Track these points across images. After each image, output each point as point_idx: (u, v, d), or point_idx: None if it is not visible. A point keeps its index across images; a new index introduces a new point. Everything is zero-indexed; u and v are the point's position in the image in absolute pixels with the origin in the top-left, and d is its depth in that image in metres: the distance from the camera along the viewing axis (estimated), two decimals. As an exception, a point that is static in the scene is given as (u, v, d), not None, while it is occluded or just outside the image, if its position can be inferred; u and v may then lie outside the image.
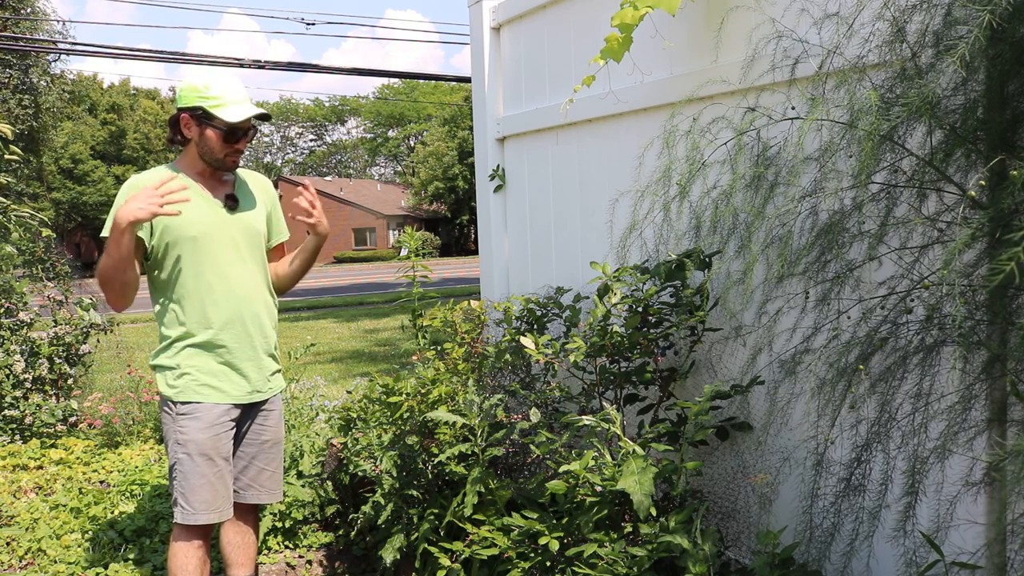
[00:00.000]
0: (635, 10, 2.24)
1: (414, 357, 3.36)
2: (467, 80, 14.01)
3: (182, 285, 2.40)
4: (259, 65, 13.07)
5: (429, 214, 49.06)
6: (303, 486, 3.35)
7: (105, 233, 2.37)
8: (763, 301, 2.17)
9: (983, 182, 1.60)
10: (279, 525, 3.28)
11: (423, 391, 2.79)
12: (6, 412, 4.62)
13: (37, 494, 3.83)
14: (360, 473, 2.98)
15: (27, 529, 3.40)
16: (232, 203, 2.48)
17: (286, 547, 3.31)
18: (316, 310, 15.46)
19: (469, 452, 2.55)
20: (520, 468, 2.80)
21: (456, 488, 2.71)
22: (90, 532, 3.37)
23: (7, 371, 4.67)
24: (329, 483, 3.35)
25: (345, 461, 3.20)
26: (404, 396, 2.80)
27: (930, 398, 1.77)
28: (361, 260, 43.31)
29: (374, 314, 13.98)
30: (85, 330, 5.07)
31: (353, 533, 3.21)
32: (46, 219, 5.25)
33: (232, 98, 2.38)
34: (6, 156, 5.00)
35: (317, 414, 4.03)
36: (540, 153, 3.30)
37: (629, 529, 2.22)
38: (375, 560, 3.11)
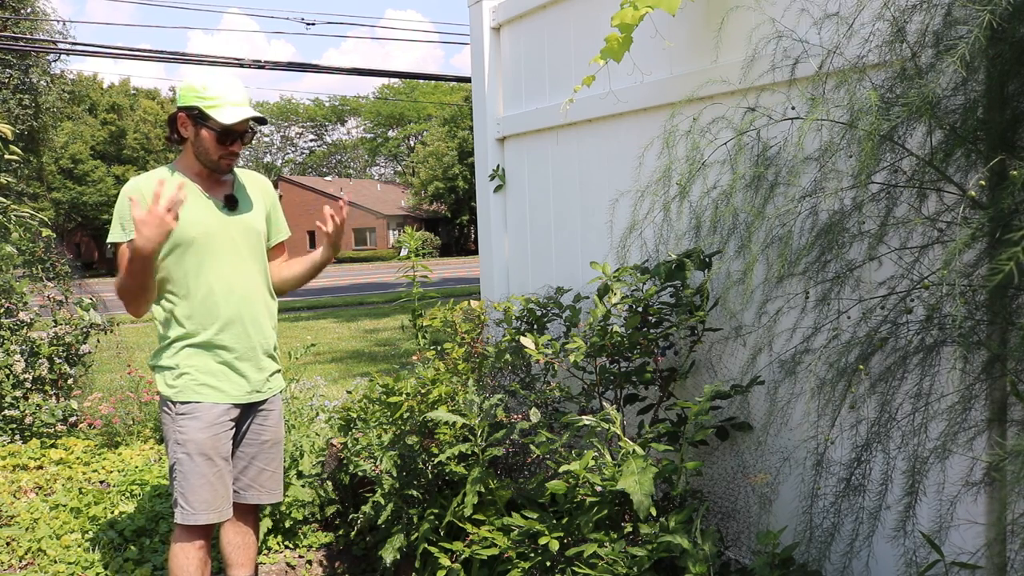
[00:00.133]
0: (635, 10, 2.24)
1: (414, 357, 3.36)
2: (467, 80, 14.01)
3: (182, 286, 2.40)
4: (259, 65, 13.07)
5: (429, 214, 49.06)
6: (303, 486, 3.35)
7: (113, 239, 2.37)
8: (763, 301, 2.17)
9: (983, 182, 1.60)
10: (279, 525, 3.28)
11: (423, 391, 2.79)
12: (6, 412, 4.62)
13: (37, 494, 3.83)
14: (360, 473, 2.99)
15: (27, 529, 3.40)
16: (231, 203, 2.48)
17: (286, 547, 3.31)
18: (316, 310, 15.46)
19: (469, 452, 2.55)
20: (520, 468, 2.80)
21: (456, 488, 2.71)
22: (90, 532, 3.37)
23: (7, 371, 4.67)
24: (329, 483, 3.35)
25: (345, 461, 3.20)
26: (404, 396, 2.80)
27: (930, 398, 1.77)
28: (361, 260, 43.31)
29: (374, 314, 13.98)
30: (85, 330, 5.07)
31: (353, 533, 3.21)
32: (46, 219, 5.25)
33: (229, 99, 2.37)
34: (6, 156, 5.00)
35: (317, 414, 4.03)
36: (540, 153, 3.30)
37: (629, 529, 2.22)
38: (375, 560, 3.11)
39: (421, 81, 61.44)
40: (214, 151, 2.40)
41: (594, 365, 2.55)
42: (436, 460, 2.63)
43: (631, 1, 2.24)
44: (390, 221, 47.81)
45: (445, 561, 2.50)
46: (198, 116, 2.38)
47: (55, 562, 3.17)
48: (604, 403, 2.48)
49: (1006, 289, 1.53)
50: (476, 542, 2.44)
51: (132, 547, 3.23)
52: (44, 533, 3.34)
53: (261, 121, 2.46)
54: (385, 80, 65.62)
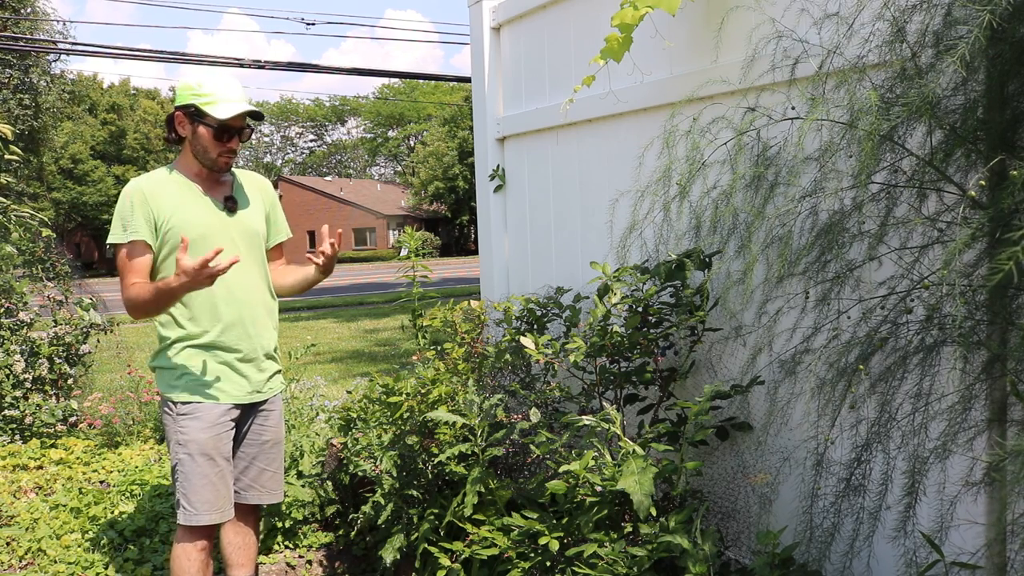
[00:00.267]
0: (635, 10, 2.24)
1: (414, 357, 3.36)
2: (467, 80, 14.01)
3: (182, 287, 2.40)
4: (259, 65, 13.07)
5: (429, 214, 49.06)
6: (303, 486, 3.35)
7: (114, 240, 2.37)
8: (763, 301, 2.17)
9: (983, 182, 1.60)
10: (279, 525, 3.28)
11: (423, 391, 2.79)
12: (6, 412, 4.62)
13: (37, 494, 3.83)
14: (360, 473, 2.99)
15: (27, 529, 3.41)
16: (231, 204, 2.48)
17: (286, 547, 3.31)
18: (316, 310, 15.46)
19: (469, 452, 2.55)
20: (520, 468, 2.80)
21: (456, 488, 2.71)
22: (90, 532, 3.37)
23: (7, 371, 4.67)
24: (329, 483, 3.35)
25: (345, 461, 3.20)
26: (404, 396, 2.80)
27: (930, 398, 1.77)
28: (361, 260, 43.30)
29: (374, 314, 13.98)
30: (85, 330, 5.07)
31: (353, 533, 3.21)
32: (46, 219, 5.25)
33: (225, 96, 2.36)
34: (6, 156, 5.00)
35: (317, 414, 4.04)
36: (540, 153, 3.30)
37: (629, 529, 2.22)
38: (375, 560, 3.11)
39: (421, 81, 61.45)
40: (212, 148, 2.40)
41: (594, 365, 2.54)
42: (436, 460, 2.63)
43: (631, 1, 2.24)
44: (390, 221, 47.81)
45: (445, 561, 2.50)
46: (195, 113, 2.37)
47: (55, 562, 3.17)
48: (604, 403, 2.48)
49: (1006, 289, 1.53)
50: (476, 542, 2.44)
51: (132, 547, 3.23)
52: (44, 533, 3.34)
53: (258, 117, 2.45)
54: (385, 80, 65.64)
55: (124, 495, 3.72)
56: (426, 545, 2.61)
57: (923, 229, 1.78)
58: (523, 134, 3.38)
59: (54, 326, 5.02)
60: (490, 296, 3.55)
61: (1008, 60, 1.50)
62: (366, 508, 2.86)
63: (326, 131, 70.97)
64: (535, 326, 2.89)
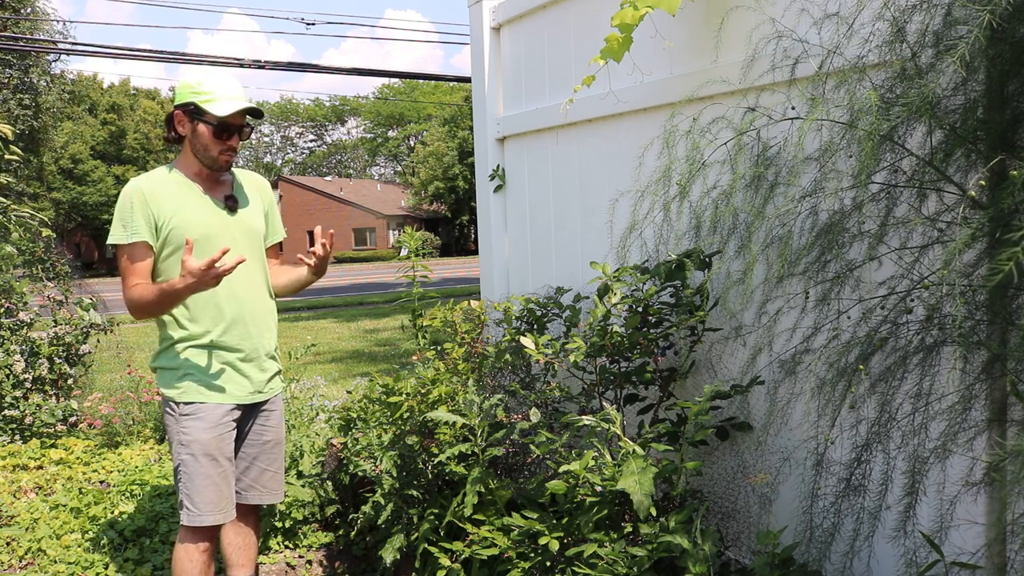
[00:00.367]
0: (635, 10, 2.23)
1: (414, 357, 3.36)
2: (467, 80, 14.01)
3: (184, 287, 2.40)
4: (259, 65, 13.07)
5: (429, 214, 49.06)
6: (303, 486, 3.35)
7: (114, 240, 2.36)
8: (763, 301, 2.17)
9: (983, 182, 1.60)
10: (279, 525, 3.28)
11: (423, 391, 2.79)
12: (6, 412, 4.62)
13: (37, 494, 3.83)
14: (360, 473, 2.99)
15: (27, 529, 3.40)
16: (232, 203, 2.47)
17: (286, 547, 3.31)
18: (316, 310, 15.46)
19: (469, 452, 2.55)
20: (520, 468, 2.80)
21: (456, 488, 2.71)
22: (90, 532, 3.37)
23: (7, 371, 4.67)
24: (329, 483, 3.35)
25: (345, 461, 3.20)
26: (404, 396, 2.80)
27: (930, 398, 1.77)
28: (361, 260, 43.31)
29: (374, 314, 13.98)
30: (85, 330, 5.07)
31: (353, 533, 3.21)
32: (46, 219, 5.25)
33: (224, 94, 2.36)
34: (6, 156, 5.00)
35: (317, 414, 4.03)
36: (540, 153, 3.30)
37: (629, 529, 2.22)
38: (375, 560, 3.11)
39: (421, 81, 61.46)
40: (212, 146, 2.39)
41: (594, 365, 2.55)
42: (436, 460, 2.63)
43: (631, 1, 2.24)
44: (390, 221, 47.81)
45: (445, 561, 2.50)
46: (194, 112, 2.37)
47: (55, 562, 3.17)
48: (604, 403, 2.48)
49: (1006, 289, 1.53)
50: (476, 542, 2.44)
51: (132, 547, 3.23)
52: (44, 533, 3.34)
53: (257, 114, 2.45)
54: (385, 80, 65.65)
55: (124, 495, 3.72)
56: (426, 545, 2.61)
57: (923, 229, 1.78)
58: (523, 134, 3.38)
59: (54, 326, 5.02)
60: (490, 296, 3.55)
61: (1008, 60, 1.50)
62: (366, 508, 2.86)
63: (326, 131, 70.99)
64: (535, 326, 2.89)
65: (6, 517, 3.54)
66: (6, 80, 18.08)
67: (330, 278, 26.35)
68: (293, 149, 71.46)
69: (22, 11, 18.08)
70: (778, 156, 2.00)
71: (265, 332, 2.53)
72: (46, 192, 36.76)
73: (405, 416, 2.81)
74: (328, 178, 59.14)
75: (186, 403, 2.39)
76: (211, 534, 2.44)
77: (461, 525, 2.54)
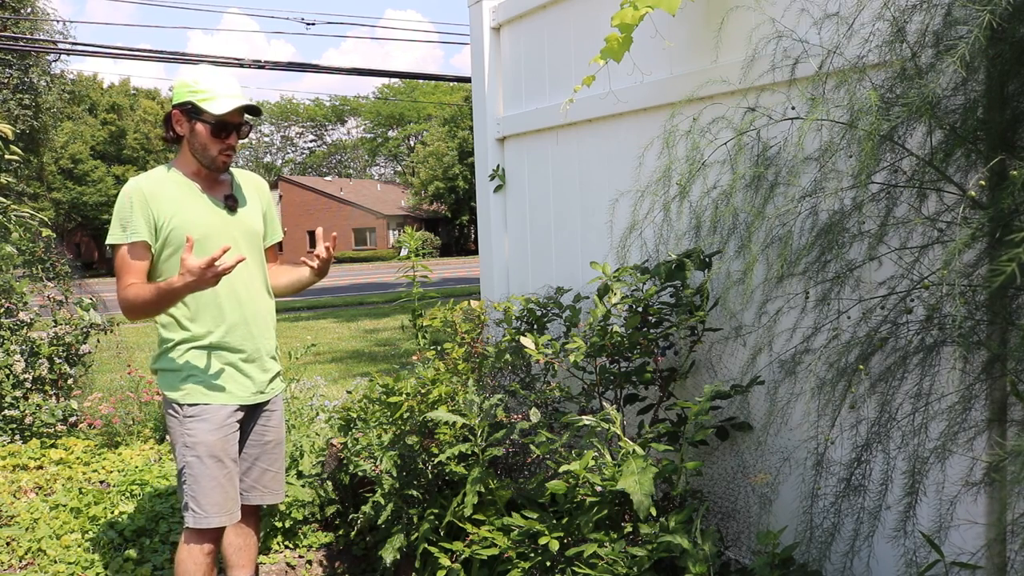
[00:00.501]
0: (635, 10, 2.23)
1: (414, 357, 3.36)
2: (467, 80, 14.01)
3: (184, 287, 2.39)
4: (259, 65, 13.07)
5: (429, 214, 49.06)
6: (303, 486, 3.35)
7: (113, 240, 2.35)
8: (763, 301, 2.17)
9: (983, 182, 1.60)
10: (279, 525, 3.28)
11: (423, 391, 2.79)
12: (6, 412, 4.62)
13: (37, 494, 3.83)
14: (360, 473, 2.99)
15: (27, 529, 3.40)
16: (232, 203, 2.47)
17: (286, 547, 3.31)
18: (316, 310, 15.44)
19: (469, 452, 2.55)
20: (520, 468, 2.80)
21: (456, 488, 2.71)
22: (90, 532, 3.37)
23: (7, 371, 4.67)
24: (329, 483, 3.35)
25: (345, 461, 3.20)
26: (404, 396, 2.80)
27: (930, 398, 1.77)
28: (361, 260, 43.29)
29: (374, 314, 13.97)
30: (85, 330, 5.07)
31: (353, 533, 3.22)
32: (46, 219, 5.25)
33: (221, 92, 2.35)
34: (6, 156, 5.00)
35: (317, 414, 4.03)
36: (540, 153, 3.30)
37: (629, 529, 2.22)
38: (375, 560, 3.11)
39: (421, 81, 61.44)
40: (211, 145, 2.38)
41: (594, 365, 2.54)
42: (436, 460, 2.63)
43: (631, 1, 2.24)
44: (390, 221, 47.80)
45: (445, 561, 2.50)
46: (191, 111, 2.36)
47: (55, 562, 3.17)
48: (604, 403, 2.48)
49: (1006, 289, 1.53)
50: (476, 542, 2.44)
51: (132, 547, 3.23)
52: (44, 533, 3.34)
53: (255, 112, 2.44)
54: (385, 80, 65.65)
55: (124, 495, 3.72)
56: (426, 545, 2.61)
57: (923, 229, 1.78)
58: (523, 134, 3.38)
59: (54, 326, 5.02)
60: (490, 296, 3.55)
61: (1008, 60, 1.50)
62: (366, 508, 2.86)
63: (326, 131, 70.99)
64: (535, 326, 2.89)
65: (6, 517, 3.54)
66: (6, 80, 18.08)
67: (330, 278, 26.35)
68: (293, 149, 71.47)
69: (22, 11, 18.08)
70: (778, 156, 2.00)
71: (266, 332, 2.52)
72: (46, 192, 36.77)
73: (405, 416, 2.81)
74: (328, 178, 59.12)
75: (190, 405, 2.37)
76: (216, 536, 2.42)
77: (461, 525, 2.54)
